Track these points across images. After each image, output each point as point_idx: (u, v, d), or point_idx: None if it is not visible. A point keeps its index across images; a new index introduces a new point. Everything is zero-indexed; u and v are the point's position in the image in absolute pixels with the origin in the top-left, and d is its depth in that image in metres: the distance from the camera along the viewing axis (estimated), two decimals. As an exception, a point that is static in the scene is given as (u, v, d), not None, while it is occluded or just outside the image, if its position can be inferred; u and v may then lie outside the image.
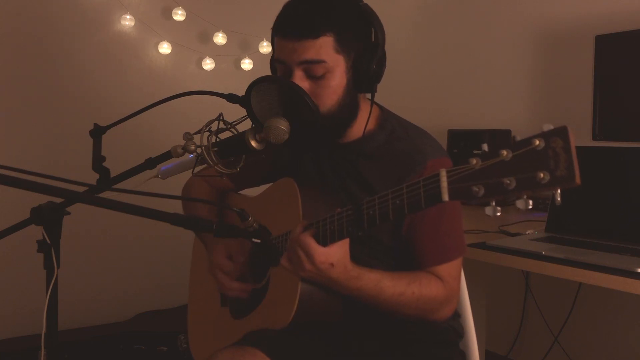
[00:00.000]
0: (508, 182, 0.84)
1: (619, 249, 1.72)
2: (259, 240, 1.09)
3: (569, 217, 1.96)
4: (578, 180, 0.79)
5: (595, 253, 1.70)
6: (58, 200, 1.07)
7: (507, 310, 2.77)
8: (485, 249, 1.80)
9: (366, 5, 1.30)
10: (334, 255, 1.13)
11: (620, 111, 2.32)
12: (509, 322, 2.76)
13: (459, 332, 1.46)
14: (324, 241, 1.12)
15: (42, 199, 1.05)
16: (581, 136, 2.35)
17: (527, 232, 1.97)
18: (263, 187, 1.53)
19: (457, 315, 1.47)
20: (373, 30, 1.29)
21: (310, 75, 1.26)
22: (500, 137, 2.62)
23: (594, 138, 2.36)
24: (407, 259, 1.32)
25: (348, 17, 1.27)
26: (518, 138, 0.86)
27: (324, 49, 1.23)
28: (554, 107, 2.64)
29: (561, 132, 0.81)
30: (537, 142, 0.82)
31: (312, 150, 1.44)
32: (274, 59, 1.32)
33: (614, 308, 2.41)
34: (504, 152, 0.85)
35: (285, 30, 1.26)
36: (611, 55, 2.33)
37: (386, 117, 1.40)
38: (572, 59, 2.55)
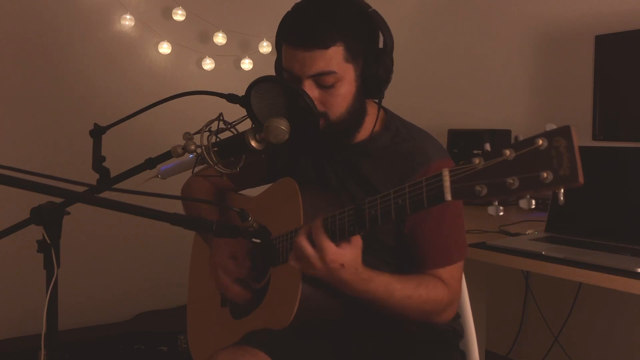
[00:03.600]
0: (511, 181, 0.84)
1: (619, 249, 1.72)
2: (258, 241, 1.09)
3: (569, 217, 1.95)
4: (581, 179, 0.79)
5: (595, 253, 1.70)
6: (58, 200, 1.07)
7: (507, 310, 2.77)
8: (485, 249, 1.80)
9: (374, 12, 1.28)
10: (346, 256, 1.11)
11: (620, 111, 2.32)
12: (509, 322, 2.76)
13: (459, 333, 1.46)
14: None
15: (42, 199, 1.05)
16: (581, 136, 2.33)
17: (527, 232, 1.97)
18: (263, 187, 1.52)
19: (457, 316, 1.47)
20: (381, 37, 1.28)
21: (319, 84, 1.25)
22: (500, 137, 2.62)
23: (594, 138, 2.36)
24: (409, 259, 1.32)
25: (357, 25, 1.26)
26: (521, 137, 0.85)
27: (334, 59, 1.23)
28: (554, 107, 2.64)
29: (564, 132, 0.81)
30: (540, 142, 0.82)
31: (313, 150, 1.44)
32: (282, 67, 1.30)
33: (614, 308, 2.41)
34: (507, 152, 0.85)
35: (295, 39, 1.25)
36: (611, 55, 2.33)
37: (390, 119, 1.39)
38: (572, 59, 2.55)
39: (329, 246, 1.10)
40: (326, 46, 1.22)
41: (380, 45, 1.29)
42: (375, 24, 1.27)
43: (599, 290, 2.24)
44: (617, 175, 1.90)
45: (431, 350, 1.38)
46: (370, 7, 1.29)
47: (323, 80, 1.24)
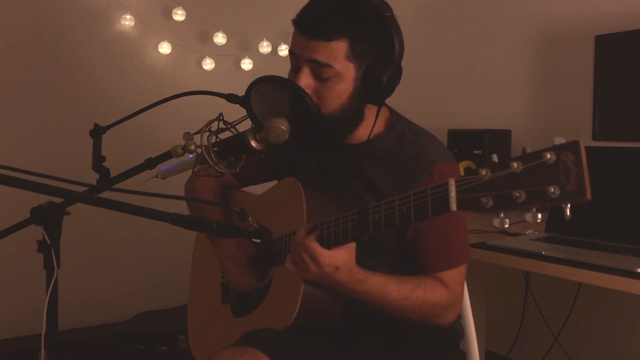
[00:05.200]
0: (518, 195, 0.83)
1: (619, 249, 1.72)
2: (258, 241, 1.09)
3: (569, 217, 1.95)
4: (589, 195, 0.78)
5: (595, 253, 1.70)
6: (58, 200, 1.07)
7: (507, 310, 2.77)
8: (485, 249, 1.80)
9: (391, 17, 1.26)
10: (340, 259, 1.12)
11: (620, 111, 2.32)
12: (509, 322, 2.76)
13: (459, 333, 1.46)
14: (329, 244, 1.12)
15: (42, 199, 1.05)
16: (581, 136, 2.35)
17: (527, 232, 1.97)
18: (268, 184, 1.52)
19: (458, 316, 1.47)
20: (393, 45, 1.25)
21: (316, 75, 1.24)
22: (500, 137, 2.62)
23: (594, 138, 2.36)
24: (410, 262, 1.32)
25: (368, 26, 1.23)
26: (529, 150, 0.84)
27: (335, 53, 1.21)
28: (554, 107, 2.64)
29: (573, 146, 0.80)
30: (549, 156, 0.81)
31: (314, 150, 1.44)
32: (289, 50, 1.31)
33: (614, 308, 2.41)
34: (515, 164, 0.84)
35: (302, 24, 1.24)
36: (611, 55, 2.33)
37: (396, 120, 1.38)
38: (572, 59, 2.55)
39: (322, 251, 1.11)
40: (329, 39, 1.21)
41: (390, 53, 1.25)
42: (389, 30, 1.25)
43: (599, 290, 2.24)
44: (617, 175, 1.90)
45: (431, 351, 1.38)
46: (389, 12, 1.26)
47: (320, 71, 1.23)
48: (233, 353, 1.23)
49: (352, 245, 1.13)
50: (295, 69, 1.27)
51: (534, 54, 2.72)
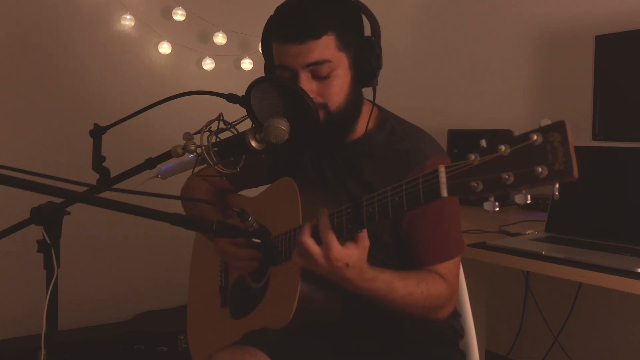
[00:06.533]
0: (507, 177, 0.85)
1: (619, 249, 1.72)
2: (258, 241, 1.09)
3: (569, 217, 1.95)
4: (576, 174, 0.79)
5: (595, 253, 1.70)
6: (58, 200, 1.07)
7: (507, 310, 2.77)
8: (485, 249, 1.80)
9: (357, 1, 1.31)
10: (352, 256, 1.11)
11: (620, 111, 2.31)
12: (509, 322, 2.76)
13: (459, 332, 1.46)
14: None
15: (42, 199, 1.05)
16: (581, 136, 2.35)
17: (527, 232, 1.97)
18: (262, 188, 1.52)
19: (457, 315, 1.47)
20: (369, 25, 1.30)
21: (316, 76, 1.26)
22: (500, 137, 2.61)
23: (594, 138, 2.36)
24: (408, 256, 1.32)
25: (345, 14, 1.28)
26: (516, 133, 0.86)
27: (328, 48, 1.24)
28: (554, 107, 2.64)
29: (559, 127, 0.81)
30: (535, 137, 0.83)
31: (312, 150, 1.44)
32: (275, 65, 1.30)
33: (614, 308, 2.41)
34: (502, 148, 0.86)
35: (286, 34, 1.25)
36: (611, 55, 2.33)
37: (385, 116, 1.40)
38: (572, 59, 2.55)
39: (335, 244, 1.10)
40: (318, 36, 1.23)
41: (368, 33, 1.30)
42: (360, 12, 1.29)
43: (599, 290, 2.24)
44: (617, 175, 1.90)
45: (431, 350, 1.38)
46: None
47: (319, 71, 1.25)
48: (233, 353, 1.23)
49: (366, 246, 1.13)
50: (292, 79, 1.27)
51: (534, 54, 2.72)
